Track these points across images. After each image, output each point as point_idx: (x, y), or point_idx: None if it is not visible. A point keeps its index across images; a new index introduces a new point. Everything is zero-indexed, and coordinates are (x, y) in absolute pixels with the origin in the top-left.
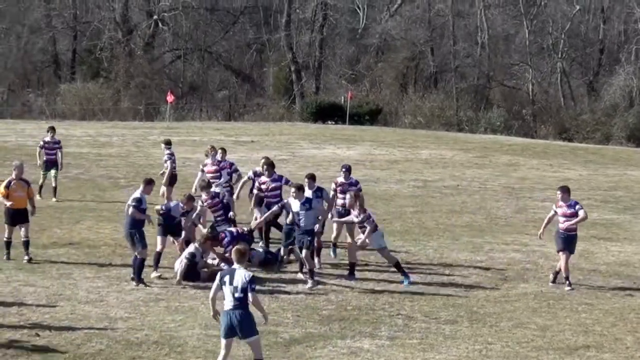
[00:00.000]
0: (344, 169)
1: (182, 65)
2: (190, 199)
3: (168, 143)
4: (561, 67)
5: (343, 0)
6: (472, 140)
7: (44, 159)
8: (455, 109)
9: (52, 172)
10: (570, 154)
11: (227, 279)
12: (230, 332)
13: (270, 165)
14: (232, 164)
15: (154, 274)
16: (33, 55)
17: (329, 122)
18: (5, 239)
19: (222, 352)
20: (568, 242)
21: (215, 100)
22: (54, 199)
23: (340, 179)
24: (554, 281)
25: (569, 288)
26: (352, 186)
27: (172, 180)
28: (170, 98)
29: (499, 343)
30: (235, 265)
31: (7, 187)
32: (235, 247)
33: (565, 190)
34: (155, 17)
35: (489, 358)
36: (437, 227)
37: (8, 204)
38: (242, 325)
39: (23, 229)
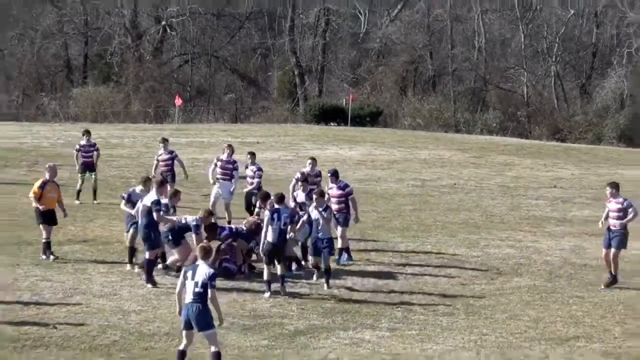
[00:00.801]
0: (329, 173)
1: (189, 69)
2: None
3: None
4: (555, 70)
5: (345, 5)
6: (469, 141)
7: (81, 161)
8: (452, 111)
9: (90, 174)
10: (563, 154)
11: (189, 274)
12: (188, 325)
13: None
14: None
15: (128, 267)
16: (46, 60)
17: (332, 124)
18: (44, 240)
19: (184, 341)
20: (613, 238)
21: (222, 103)
22: (95, 201)
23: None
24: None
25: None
26: (340, 189)
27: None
28: (178, 101)
29: (493, 334)
30: (199, 262)
31: (42, 188)
32: (200, 245)
33: (614, 187)
34: (163, 22)
35: (484, 348)
36: (435, 224)
37: (40, 206)
38: (198, 318)
39: (46, 229)
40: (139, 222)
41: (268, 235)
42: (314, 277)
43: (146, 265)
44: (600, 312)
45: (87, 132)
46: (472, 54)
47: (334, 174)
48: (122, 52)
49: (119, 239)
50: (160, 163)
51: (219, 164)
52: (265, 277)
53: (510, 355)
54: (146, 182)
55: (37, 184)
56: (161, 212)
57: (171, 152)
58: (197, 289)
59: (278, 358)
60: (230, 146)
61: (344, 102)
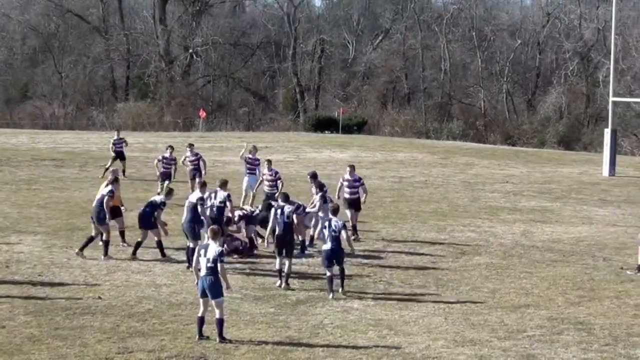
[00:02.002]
0: (309, 175)
1: (211, 88)
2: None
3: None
4: (506, 88)
5: (336, 36)
6: (437, 145)
7: (161, 171)
8: (424, 121)
9: (166, 182)
10: (514, 155)
11: (202, 252)
12: (203, 294)
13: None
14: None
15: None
16: (95, 80)
17: (326, 132)
18: (119, 229)
19: (201, 308)
20: None
21: (237, 115)
22: None
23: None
24: None
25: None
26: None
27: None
28: (202, 114)
29: (458, 303)
30: (210, 241)
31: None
32: (210, 227)
33: None
34: (190, 50)
35: (451, 314)
36: (410, 212)
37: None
38: (211, 289)
39: (119, 221)
40: (185, 216)
41: (276, 228)
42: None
43: (188, 252)
44: (546, 284)
45: (171, 147)
46: (439, 75)
47: (314, 176)
48: (157, 74)
49: None
50: (188, 163)
51: (249, 161)
52: (276, 266)
53: (473, 320)
54: (223, 184)
55: (109, 188)
56: (205, 207)
57: (196, 155)
58: (209, 264)
59: (283, 322)
60: (255, 147)
61: (336, 114)
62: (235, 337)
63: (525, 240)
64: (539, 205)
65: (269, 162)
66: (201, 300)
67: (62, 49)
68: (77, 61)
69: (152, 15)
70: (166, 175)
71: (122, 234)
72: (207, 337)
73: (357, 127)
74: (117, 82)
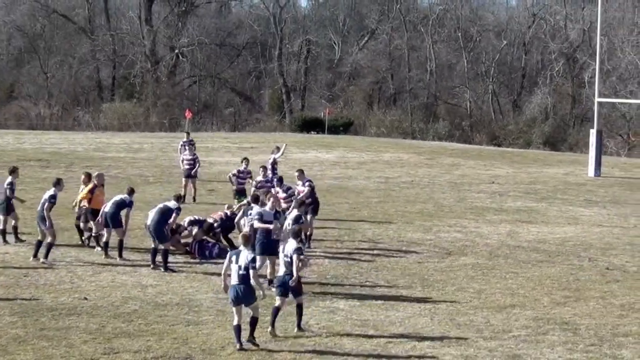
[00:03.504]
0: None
1: (197, 88)
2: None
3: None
4: (492, 89)
5: (322, 37)
6: (423, 146)
7: (236, 187)
8: (409, 121)
9: (241, 199)
10: (499, 156)
11: (234, 258)
12: (237, 302)
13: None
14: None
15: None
16: (81, 81)
17: (312, 132)
18: (94, 234)
19: (235, 317)
20: None
21: (223, 116)
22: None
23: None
24: None
25: None
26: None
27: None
28: (188, 114)
29: (444, 303)
30: (241, 247)
31: (92, 192)
32: (242, 233)
33: None
34: (176, 51)
35: (437, 315)
36: (396, 213)
37: (92, 207)
38: (245, 297)
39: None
40: (153, 218)
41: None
42: None
43: (154, 254)
44: (532, 284)
45: (246, 160)
46: (425, 75)
47: (280, 180)
48: (143, 75)
49: (139, 226)
50: (185, 161)
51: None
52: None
53: (458, 321)
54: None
55: (87, 188)
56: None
57: (194, 154)
58: (241, 272)
59: (268, 323)
60: (278, 147)
61: (322, 115)
62: (222, 337)
63: (511, 240)
64: (525, 206)
65: (301, 172)
66: (234, 309)
67: (48, 50)
68: (63, 61)
69: (138, 16)
70: (241, 192)
71: (96, 238)
72: (256, 344)
73: (343, 127)
74: (103, 82)
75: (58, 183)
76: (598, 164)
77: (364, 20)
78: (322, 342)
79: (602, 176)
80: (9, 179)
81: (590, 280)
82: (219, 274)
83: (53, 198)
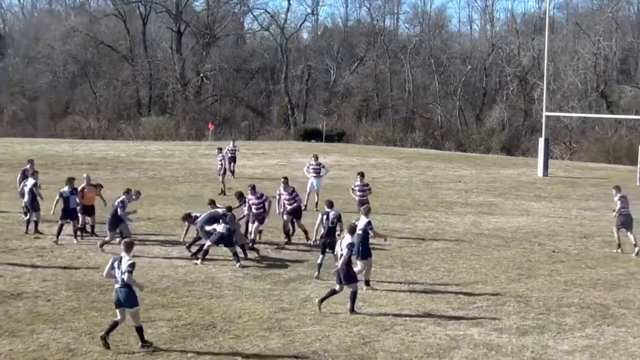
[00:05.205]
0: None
1: (218, 105)
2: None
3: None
4: (458, 105)
5: (320, 63)
6: (402, 151)
7: (358, 199)
8: (391, 132)
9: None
10: (465, 160)
11: (116, 264)
12: (119, 304)
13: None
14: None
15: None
16: (124, 99)
17: (312, 141)
18: (79, 225)
19: (118, 317)
20: None
21: (240, 128)
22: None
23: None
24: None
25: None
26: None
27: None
28: (211, 126)
29: (421, 281)
30: (123, 254)
31: (82, 191)
32: (123, 240)
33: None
34: (201, 74)
35: (415, 291)
36: (380, 206)
37: (82, 202)
38: (125, 299)
39: (90, 218)
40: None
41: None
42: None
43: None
44: (491, 265)
45: (361, 175)
46: (404, 94)
47: (252, 188)
48: (174, 94)
49: (172, 218)
50: (218, 162)
51: (311, 166)
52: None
53: (432, 294)
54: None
55: (79, 188)
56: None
57: (223, 157)
58: (122, 276)
59: (277, 296)
60: (316, 156)
61: (320, 126)
62: (239, 308)
63: (475, 229)
64: (486, 200)
65: (361, 174)
66: (117, 310)
67: (96, 74)
68: (109, 83)
69: (170, 46)
70: (363, 204)
71: (91, 228)
72: (149, 344)
73: (337, 136)
74: (141, 100)
75: (127, 192)
76: (545, 166)
77: (354, 49)
78: (321, 311)
79: (549, 176)
80: (122, 197)
81: (540, 261)
82: (230, 259)
83: (122, 203)
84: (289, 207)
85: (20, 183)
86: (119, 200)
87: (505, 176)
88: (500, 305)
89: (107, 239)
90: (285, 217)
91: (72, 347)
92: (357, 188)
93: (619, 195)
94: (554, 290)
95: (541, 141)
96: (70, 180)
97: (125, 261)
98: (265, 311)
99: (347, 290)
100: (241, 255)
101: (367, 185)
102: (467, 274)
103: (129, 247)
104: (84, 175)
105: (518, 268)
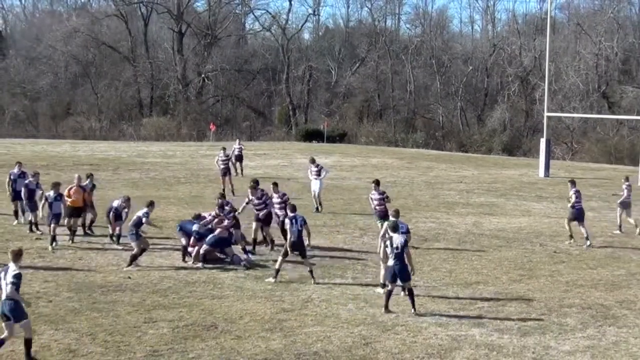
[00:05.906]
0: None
1: (220, 106)
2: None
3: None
4: (460, 106)
5: (322, 63)
6: (404, 152)
7: (376, 210)
8: (393, 132)
9: (383, 221)
10: (467, 160)
11: (2, 275)
12: (5, 318)
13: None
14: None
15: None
16: (125, 100)
17: (313, 141)
18: (68, 226)
19: (5, 332)
20: None
21: (241, 128)
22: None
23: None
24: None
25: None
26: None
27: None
28: (212, 127)
29: (421, 280)
30: (10, 263)
31: (69, 191)
32: (11, 249)
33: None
34: (202, 75)
35: (416, 290)
36: None
37: (69, 201)
38: (12, 312)
39: (80, 219)
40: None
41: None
42: None
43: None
44: (493, 265)
45: (376, 182)
46: (405, 95)
47: (253, 188)
48: (176, 95)
49: (173, 218)
50: (221, 162)
51: (313, 171)
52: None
53: (434, 295)
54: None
55: (66, 190)
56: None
57: (227, 156)
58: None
59: (278, 297)
60: (312, 159)
61: (322, 127)
62: (240, 309)
63: (476, 229)
64: (487, 201)
65: (377, 182)
66: (3, 324)
67: (98, 74)
68: (110, 84)
69: (171, 47)
70: (383, 214)
71: (83, 228)
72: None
73: (338, 137)
74: (143, 101)
75: (151, 204)
76: (547, 166)
77: (355, 49)
78: (322, 312)
79: (550, 176)
80: (145, 209)
81: (541, 262)
82: (228, 259)
83: (146, 215)
84: (259, 214)
85: (9, 186)
86: (143, 211)
87: (506, 177)
88: (502, 306)
89: (135, 252)
90: (254, 224)
91: (73, 348)
92: (373, 196)
93: (574, 189)
94: (555, 290)
95: (542, 142)
96: (55, 185)
97: (11, 272)
98: (267, 312)
99: (348, 292)
100: (243, 256)
101: (384, 193)
102: (468, 275)
103: (16, 256)
104: (76, 175)
105: (519, 268)
